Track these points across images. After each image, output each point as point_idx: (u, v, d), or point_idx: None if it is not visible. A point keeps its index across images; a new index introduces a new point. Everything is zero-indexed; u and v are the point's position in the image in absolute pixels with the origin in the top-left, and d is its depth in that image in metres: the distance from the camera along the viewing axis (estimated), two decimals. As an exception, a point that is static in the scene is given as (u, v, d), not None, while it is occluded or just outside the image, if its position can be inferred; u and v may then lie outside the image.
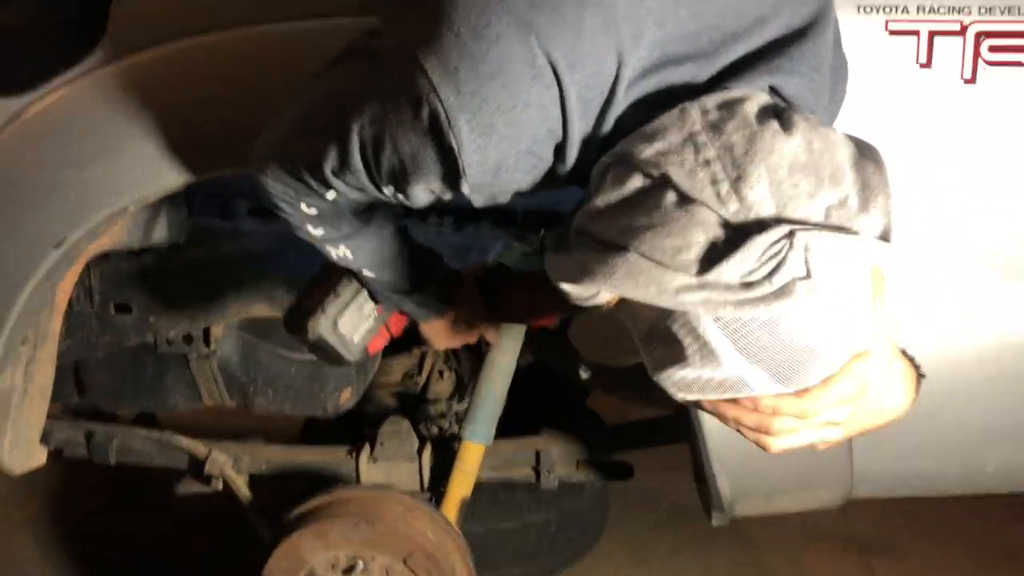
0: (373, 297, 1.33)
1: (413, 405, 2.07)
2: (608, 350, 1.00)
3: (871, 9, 1.16)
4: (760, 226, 0.73)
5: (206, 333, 1.78)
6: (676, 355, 0.80)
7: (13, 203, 1.25)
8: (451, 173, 0.86)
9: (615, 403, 2.04)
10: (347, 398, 1.93)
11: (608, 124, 0.84)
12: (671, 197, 0.74)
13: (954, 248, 1.23)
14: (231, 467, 1.82)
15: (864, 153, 0.78)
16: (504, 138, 0.82)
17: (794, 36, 0.86)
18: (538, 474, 1.84)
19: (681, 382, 0.81)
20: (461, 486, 1.70)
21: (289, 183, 1.01)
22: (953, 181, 1.20)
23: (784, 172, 0.73)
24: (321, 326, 1.29)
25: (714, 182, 0.73)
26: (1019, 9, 1.15)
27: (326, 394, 1.90)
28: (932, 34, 1.16)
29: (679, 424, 1.79)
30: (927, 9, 1.15)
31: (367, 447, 1.84)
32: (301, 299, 1.32)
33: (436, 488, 1.79)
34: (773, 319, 0.75)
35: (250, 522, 1.79)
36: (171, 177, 1.23)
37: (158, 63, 1.18)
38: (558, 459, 1.84)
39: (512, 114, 0.80)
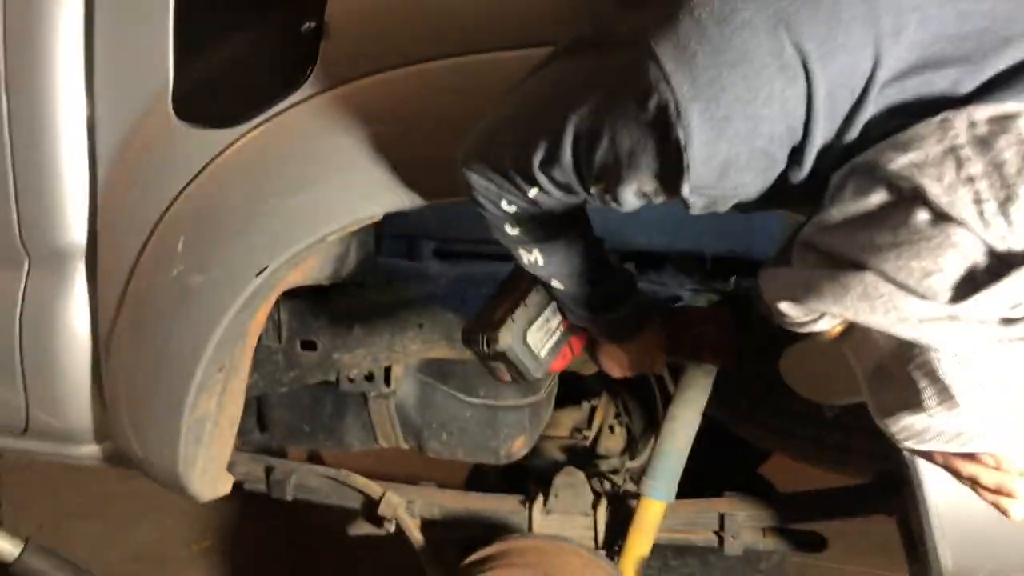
0: (560, 311, 1.29)
1: (582, 460, 2.02)
2: (825, 387, 0.91)
3: None
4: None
5: (387, 372, 1.80)
6: (909, 398, 0.71)
7: (221, 230, 1.28)
8: (672, 171, 0.79)
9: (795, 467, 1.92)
10: (520, 446, 1.90)
11: (855, 129, 0.76)
12: (923, 214, 0.66)
13: None
14: (404, 510, 1.81)
15: None
16: (739, 134, 0.75)
17: None
18: (721, 539, 1.73)
19: (911, 429, 0.73)
20: (639, 544, 1.62)
21: (493, 178, 0.99)
22: None
23: None
24: (510, 337, 1.25)
25: (977, 201, 0.65)
26: None
27: (499, 441, 1.88)
28: None
29: (881, 494, 1.65)
30: None
31: (540, 498, 1.79)
32: (484, 311, 1.30)
33: (610, 546, 1.72)
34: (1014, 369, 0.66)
35: (422, 566, 1.76)
36: (370, 208, 1.23)
37: (363, 94, 1.20)
38: (744, 524, 1.73)
39: (752, 107, 0.74)
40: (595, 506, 1.76)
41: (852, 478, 1.78)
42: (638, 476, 1.69)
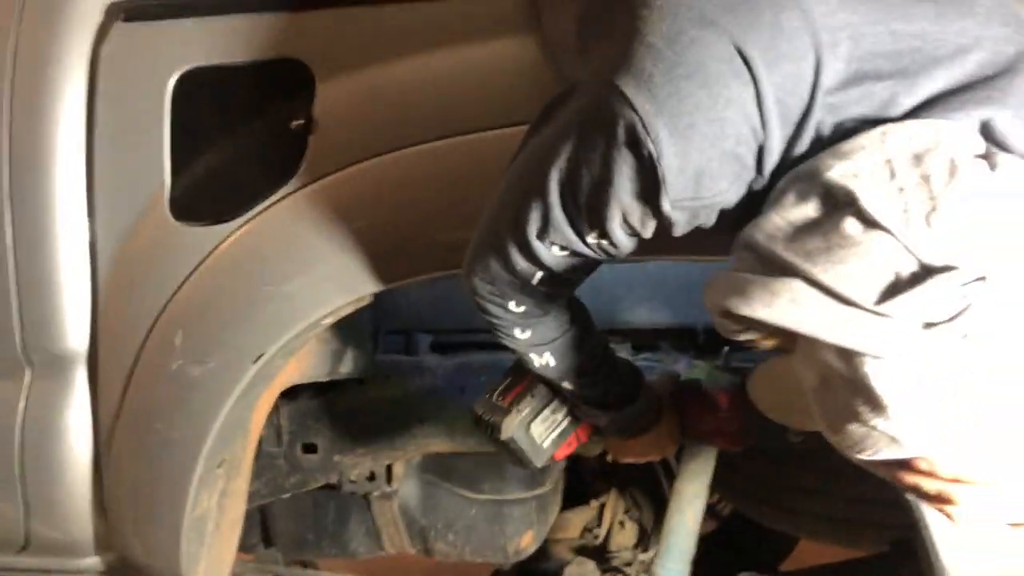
0: (565, 403, 1.30)
1: (595, 559, 1.98)
2: (788, 410, 0.91)
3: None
4: (949, 266, 0.67)
5: (388, 471, 1.79)
6: (846, 408, 0.73)
7: (217, 321, 1.31)
8: (650, 187, 0.82)
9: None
10: (529, 542, 1.87)
11: (807, 136, 0.80)
12: (854, 222, 0.70)
13: None
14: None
15: None
16: (706, 138, 0.79)
17: (1000, 71, 0.81)
18: (740, 620, 1.68)
19: (852, 439, 0.74)
20: (658, 631, 1.57)
21: (497, 276, 1.01)
22: None
23: (983, 210, 0.68)
24: (515, 427, 1.26)
25: (905, 211, 0.69)
26: None
27: (507, 537, 1.86)
28: None
29: (895, 562, 1.62)
30: None
31: (552, 593, 1.75)
32: (493, 395, 1.30)
33: (627, 636, 1.67)
34: (949, 374, 0.68)
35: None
36: (362, 287, 1.27)
37: (349, 183, 1.25)
38: (760, 604, 1.69)
39: (713, 111, 0.78)
40: (609, 597, 1.72)
41: (865, 552, 1.75)
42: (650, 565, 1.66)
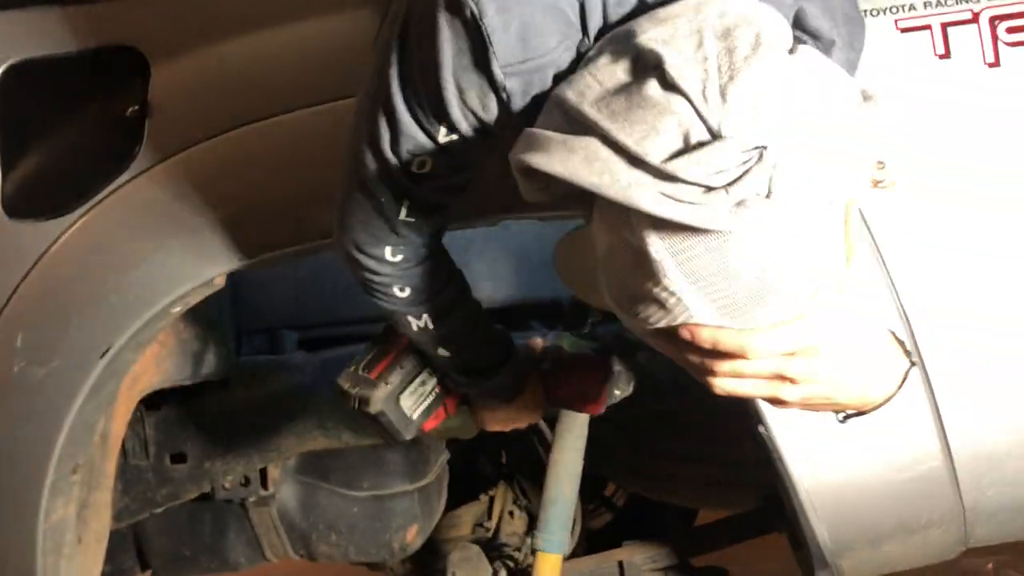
0: (435, 375, 1.29)
1: (488, 550, 1.97)
2: (584, 283, 0.93)
3: (878, 12, 1.17)
4: (733, 134, 0.70)
5: (263, 475, 1.74)
6: (626, 273, 0.75)
7: (60, 318, 1.26)
8: (478, 53, 0.82)
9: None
10: (414, 536, 1.85)
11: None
12: (656, 85, 0.72)
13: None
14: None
15: (867, 103, 0.75)
16: None
17: None
18: (624, 587, 1.70)
19: (629, 305, 0.77)
20: (542, 602, 1.57)
21: (367, 219, 1.00)
22: (990, 164, 1.17)
23: (774, 89, 0.72)
24: (383, 399, 1.25)
25: (704, 79, 0.71)
26: (1026, -10, 1.15)
27: (391, 533, 1.83)
28: (945, 26, 1.16)
29: (769, 514, 1.67)
30: (935, 3, 1.16)
31: (439, 580, 1.74)
32: (358, 366, 1.28)
33: (515, 614, 1.67)
34: (721, 238, 0.71)
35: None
36: (208, 270, 1.24)
37: (189, 165, 1.24)
38: (644, 568, 1.71)
39: None
40: (495, 576, 1.72)
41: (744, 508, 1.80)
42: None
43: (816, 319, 0.76)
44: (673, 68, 0.72)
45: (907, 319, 1.15)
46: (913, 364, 0.88)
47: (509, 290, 1.73)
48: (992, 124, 1.17)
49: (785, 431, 1.19)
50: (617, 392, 1.42)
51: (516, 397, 1.35)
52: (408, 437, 1.31)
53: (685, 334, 0.76)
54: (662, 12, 0.77)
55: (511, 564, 1.86)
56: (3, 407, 1.29)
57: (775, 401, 0.82)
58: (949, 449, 1.18)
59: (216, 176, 1.23)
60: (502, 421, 1.41)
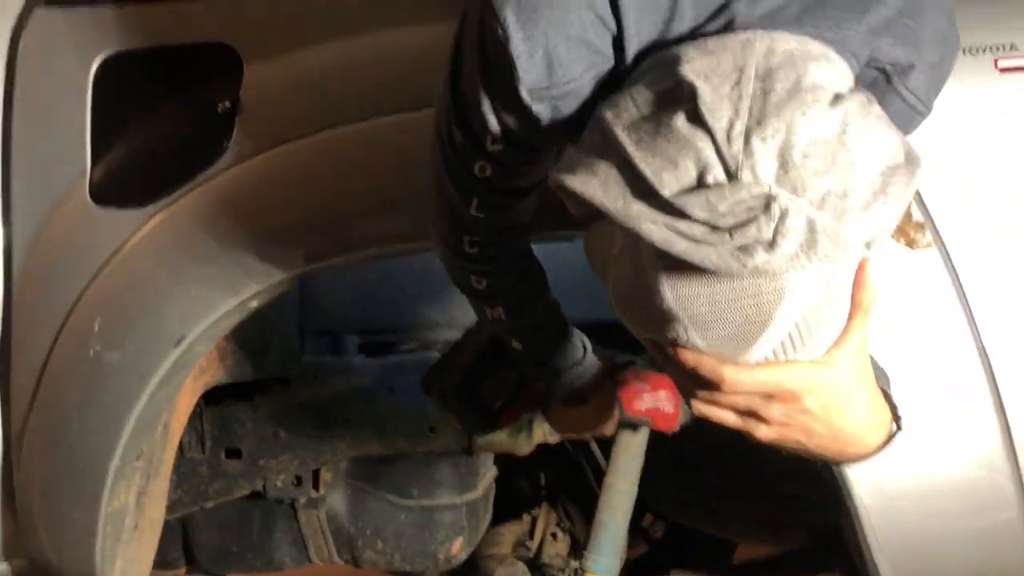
0: (515, 368, 1.31)
1: (528, 568, 1.96)
2: (605, 270, 0.93)
3: (977, 51, 1.15)
4: (748, 179, 0.69)
5: (315, 476, 1.75)
6: (628, 280, 0.76)
7: (138, 304, 1.28)
8: (506, 76, 0.83)
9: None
10: (459, 549, 1.85)
11: (684, 22, 0.80)
12: (685, 116, 0.71)
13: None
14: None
15: (905, 165, 0.73)
16: (552, 23, 0.79)
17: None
18: (669, 617, 1.68)
19: (626, 305, 0.77)
20: (588, 625, 1.55)
21: (445, 213, 1.02)
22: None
23: (803, 140, 0.69)
24: (461, 389, 1.28)
25: (734, 118, 0.70)
26: None
27: (437, 544, 1.83)
28: (1045, 68, 1.14)
29: (821, 553, 1.65)
30: (1035, 45, 1.15)
31: (483, 596, 1.73)
32: (443, 360, 1.31)
33: (558, 635, 1.65)
34: (718, 279, 0.71)
35: None
36: (285, 269, 1.26)
37: (275, 163, 1.25)
38: (691, 599, 1.69)
39: None
40: (539, 598, 1.71)
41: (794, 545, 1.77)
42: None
43: (800, 370, 0.76)
44: (704, 104, 0.70)
45: (989, 364, 1.12)
46: (899, 430, 0.86)
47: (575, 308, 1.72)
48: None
49: (858, 467, 1.17)
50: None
51: (588, 401, 1.35)
52: (486, 430, 1.33)
53: (671, 350, 0.77)
54: (711, 43, 0.76)
55: (556, 584, 1.85)
56: (77, 390, 1.31)
57: (747, 433, 0.82)
58: (1026, 497, 1.15)
59: (299, 178, 1.25)
60: (574, 425, 1.41)
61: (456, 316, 1.72)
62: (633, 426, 1.51)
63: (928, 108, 0.87)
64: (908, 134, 0.88)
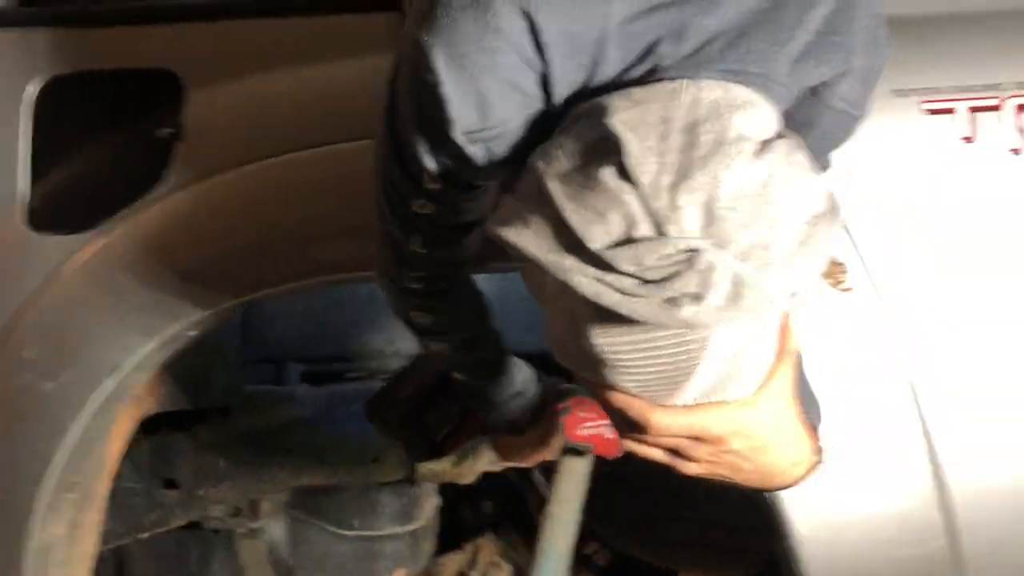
0: (458, 398, 1.32)
1: (470, 601, 1.95)
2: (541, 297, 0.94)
3: (906, 92, 1.19)
4: (673, 234, 0.70)
5: (254, 506, 1.73)
6: (562, 324, 0.77)
7: (72, 331, 1.26)
8: (439, 118, 0.83)
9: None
10: (400, 580, 1.83)
11: (607, 68, 0.80)
12: (613, 172, 0.71)
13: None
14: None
15: (828, 213, 0.74)
16: (480, 67, 0.80)
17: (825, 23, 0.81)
18: (610, 650, 1.68)
19: (560, 348, 0.79)
20: (529, 657, 1.55)
21: (389, 249, 1.03)
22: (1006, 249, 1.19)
23: (727, 193, 0.70)
24: (408, 416, 1.30)
25: (659, 172, 0.71)
26: (1051, 82, 1.18)
27: (378, 575, 1.81)
28: (971, 110, 1.19)
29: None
30: (962, 88, 1.19)
31: (422, 628, 1.72)
32: (390, 388, 1.31)
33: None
34: (646, 329, 0.72)
35: None
36: (225, 298, 1.24)
37: (215, 191, 1.24)
38: (632, 631, 1.69)
39: (484, 41, 0.79)
40: (480, 629, 1.70)
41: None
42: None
43: (726, 413, 0.78)
44: (631, 157, 0.71)
45: (918, 401, 1.16)
46: (820, 462, 0.88)
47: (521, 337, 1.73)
48: (1010, 210, 1.19)
49: (794, 497, 1.19)
50: None
51: (533, 427, 1.36)
52: (428, 458, 1.33)
53: (601, 392, 0.78)
54: (638, 93, 0.76)
55: (497, 617, 1.83)
56: (7, 420, 1.28)
57: (675, 469, 0.84)
58: (955, 527, 1.18)
59: (240, 205, 1.24)
60: (516, 453, 1.42)
61: (401, 345, 1.72)
62: (575, 452, 1.51)
63: (862, 111, 0.89)
64: (846, 139, 0.91)
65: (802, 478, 0.86)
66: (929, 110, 1.19)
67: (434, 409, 1.36)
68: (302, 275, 1.24)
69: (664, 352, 0.73)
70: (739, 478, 0.84)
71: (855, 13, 0.83)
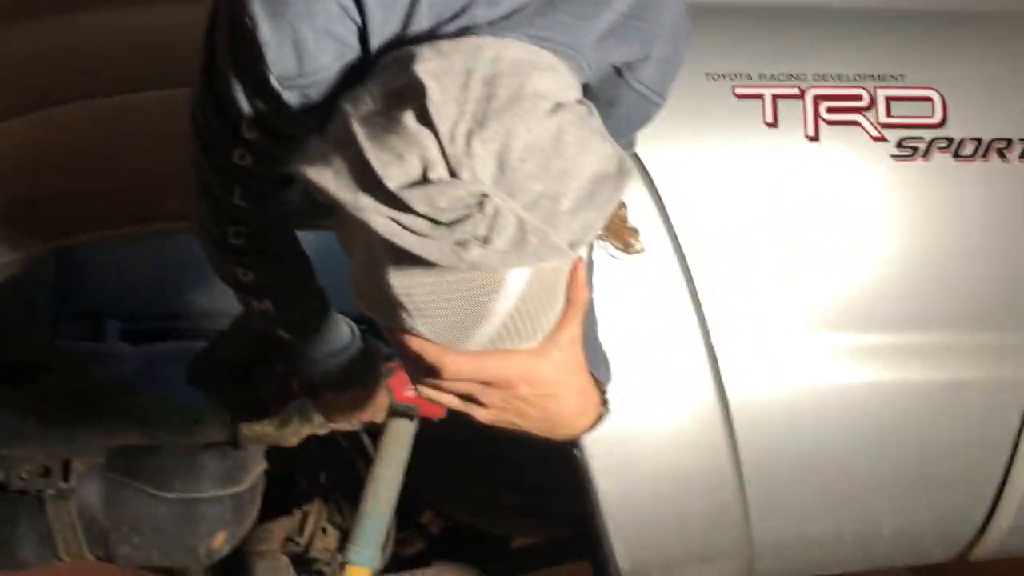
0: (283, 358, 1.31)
1: (294, 564, 1.94)
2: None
3: (718, 76, 1.26)
4: (466, 178, 0.73)
5: (66, 467, 1.66)
6: (363, 266, 0.78)
7: None
8: (256, 64, 0.84)
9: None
10: (221, 543, 1.80)
11: (424, 20, 0.83)
12: (413, 116, 0.74)
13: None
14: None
15: (615, 175, 0.78)
16: (297, 13, 0.82)
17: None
18: (428, 610, 1.72)
19: (360, 291, 0.80)
20: (345, 616, 1.56)
21: (207, 202, 1.01)
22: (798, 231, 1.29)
23: (520, 144, 0.74)
24: (232, 376, 1.30)
25: (458, 119, 0.73)
26: (847, 76, 1.28)
27: (199, 538, 1.77)
28: (775, 98, 1.27)
29: (580, 542, 1.73)
30: (768, 76, 1.27)
31: (241, 589, 1.70)
32: (213, 348, 1.28)
33: (319, 629, 1.65)
34: (438, 271, 0.75)
35: None
36: (32, 241, 1.19)
37: (16, 133, 1.19)
38: (452, 590, 1.73)
39: None
40: (300, 592, 1.70)
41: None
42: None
43: (516, 360, 0.82)
44: (433, 103, 0.74)
45: (715, 361, 1.23)
46: (607, 412, 0.94)
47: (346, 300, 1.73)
48: (805, 193, 1.29)
49: (597, 453, 1.25)
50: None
51: (358, 386, 1.37)
52: (253, 418, 1.30)
53: (397, 336, 0.81)
54: (446, 45, 0.79)
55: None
56: None
57: (468, 415, 0.88)
58: (742, 480, 1.27)
59: (27, 153, 1.19)
60: (342, 413, 1.42)
61: (227, 304, 1.69)
62: (401, 414, 1.53)
63: (662, 98, 0.94)
64: (647, 122, 0.96)
65: (588, 428, 0.91)
66: (739, 95, 1.27)
67: (259, 368, 1.35)
68: (114, 223, 1.20)
69: (456, 296, 0.76)
70: (527, 425, 0.88)
71: (663, 4, 0.90)
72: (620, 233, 0.90)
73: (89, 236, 1.21)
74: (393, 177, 0.72)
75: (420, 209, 0.72)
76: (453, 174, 0.72)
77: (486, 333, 0.79)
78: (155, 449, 1.71)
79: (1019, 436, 1.34)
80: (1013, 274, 1.31)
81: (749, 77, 1.27)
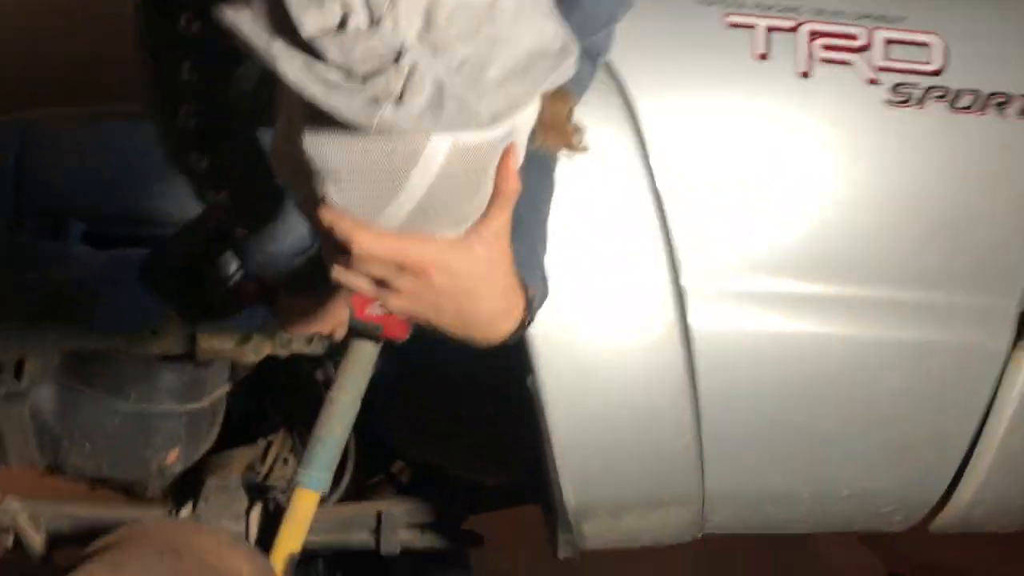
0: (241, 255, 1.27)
1: (253, 494, 1.92)
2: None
3: (711, 3, 1.21)
4: (386, 29, 0.68)
5: (19, 367, 1.62)
6: (281, 132, 0.74)
7: None
8: None
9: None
10: (174, 459, 1.78)
11: None
12: None
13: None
14: (26, 519, 1.61)
15: (555, 55, 0.73)
16: None
17: None
18: (378, 539, 1.69)
19: (281, 161, 0.76)
20: (291, 538, 1.53)
21: (155, 79, 0.98)
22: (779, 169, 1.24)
23: (451, 3, 0.69)
24: (182, 275, 1.25)
25: None
26: (846, 13, 1.23)
27: (152, 451, 1.74)
28: (769, 29, 1.21)
29: (531, 486, 1.70)
30: (764, 6, 1.22)
31: (189, 504, 1.67)
32: (165, 246, 1.25)
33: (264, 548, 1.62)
34: (350, 130, 0.70)
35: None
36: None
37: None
38: (401, 523, 1.70)
39: None
40: (248, 511, 1.67)
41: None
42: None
43: (433, 245, 0.77)
44: None
45: (680, 292, 1.19)
46: (527, 323, 0.88)
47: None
48: (791, 132, 1.23)
49: (551, 382, 1.21)
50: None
51: (315, 290, 1.32)
52: (204, 319, 1.25)
53: (312, 208, 0.76)
54: None
55: (272, 506, 1.81)
56: None
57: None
58: (700, 427, 1.23)
59: None
60: (300, 320, 1.37)
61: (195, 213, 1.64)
62: (362, 334, 1.48)
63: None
64: (613, 21, 0.91)
65: (507, 335, 0.86)
66: (731, 23, 1.21)
67: (212, 267, 1.29)
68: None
69: (371, 163, 0.72)
70: (442, 322, 0.82)
71: None
72: (562, 129, 0.85)
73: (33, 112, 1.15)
74: (309, 22, 0.67)
75: (334, 58, 0.67)
76: (373, 23, 0.68)
77: (403, 209, 0.74)
78: (112, 358, 1.68)
79: (990, 406, 1.30)
80: (995, 236, 1.26)
81: (742, 5, 1.21)
